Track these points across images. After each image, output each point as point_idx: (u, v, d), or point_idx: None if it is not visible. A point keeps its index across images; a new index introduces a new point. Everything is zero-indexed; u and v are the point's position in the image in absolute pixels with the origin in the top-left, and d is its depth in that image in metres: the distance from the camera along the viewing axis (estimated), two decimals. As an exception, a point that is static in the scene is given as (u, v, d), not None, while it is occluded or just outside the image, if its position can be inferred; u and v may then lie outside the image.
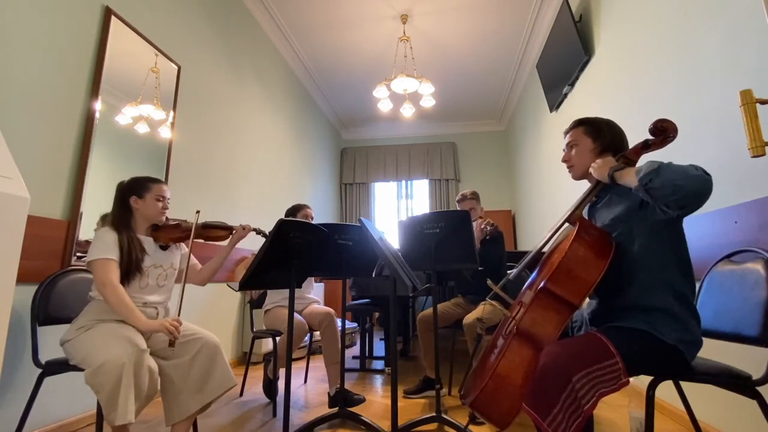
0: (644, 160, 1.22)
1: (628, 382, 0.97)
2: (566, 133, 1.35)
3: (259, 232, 1.83)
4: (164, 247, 1.59)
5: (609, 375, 0.96)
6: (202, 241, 1.68)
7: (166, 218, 1.61)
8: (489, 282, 1.35)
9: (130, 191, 1.55)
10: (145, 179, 1.58)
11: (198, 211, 1.62)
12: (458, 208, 2.54)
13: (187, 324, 1.53)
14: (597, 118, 1.31)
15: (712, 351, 1.45)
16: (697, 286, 1.26)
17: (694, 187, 0.93)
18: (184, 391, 1.39)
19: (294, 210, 2.43)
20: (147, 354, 1.27)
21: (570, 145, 1.32)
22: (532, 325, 1.07)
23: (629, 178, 1.06)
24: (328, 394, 2.12)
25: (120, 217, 1.52)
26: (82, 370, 1.26)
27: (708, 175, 0.94)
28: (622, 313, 1.11)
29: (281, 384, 2.24)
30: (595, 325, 1.19)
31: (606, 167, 1.15)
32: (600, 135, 1.26)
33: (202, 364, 1.43)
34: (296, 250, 1.56)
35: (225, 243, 1.76)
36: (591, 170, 1.22)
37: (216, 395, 1.42)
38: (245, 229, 1.75)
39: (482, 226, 2.25)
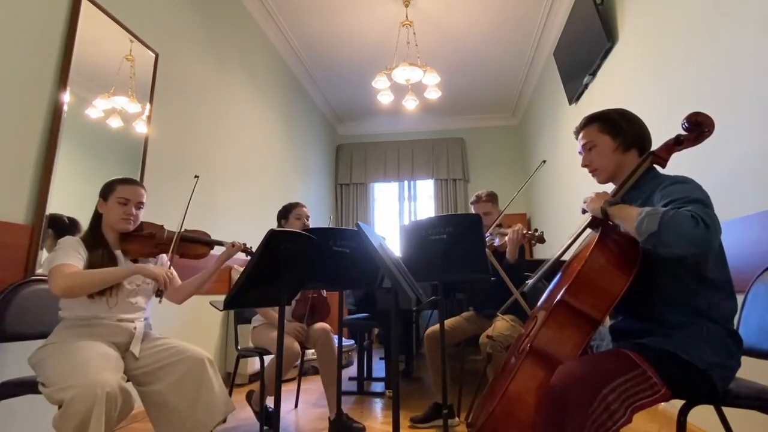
0: (675, 158, 1.22)
1: (667, 394, 0.97)
2: (577, 133, 1.34)
3: (246, 250, 1.80)
4: (135, 261, 1.57)
5: (642, 385, 0.96)
6: (177, 256, 1.66)
7: (141, 224, 1.59)
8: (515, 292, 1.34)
9: (100, 193, 1.54)
10: (116, 179, 1.57)
11: (183, 220, 1.59)
12: (473, 211, 2.53)
13: (171, 340, 1.52)
14: (608, 111, 1.30)
15: (755, 371, 1.43)
16: (740, 299, 1.25)
17: (695, 251, 0.95)
18: (173, 422, 1.37)
19: (286, 210, 2.42)
20: (121, 385, 1.22)
21: (587, 147, 1.30)
22: (548, 343, 1.06)
23: (625, 223, 1.06)
24: (329, 418, 2.12)
25: (90, 225, 1.52)
26: (40, 392, 1.24)
27: (709, 227, 0.93)
28: (648, 331, 1.10)
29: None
30: (619, 341, 1.19)
31: (599, 201, 1.16)
32: (619, 131, 1.25)
33: (187, 389, 1.40)
34: (287, 262, 1.55)
35: (204, 260, 1.72)
36: (585, 206, 1.24)
37: (209, 426, 1.39)
38: (234, 247, 1.73)
39: (524, 232, 2.05)
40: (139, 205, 1.57)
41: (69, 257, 1.38)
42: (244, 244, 1.76)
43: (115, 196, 1.52)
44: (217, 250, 1.80)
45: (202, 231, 1.76)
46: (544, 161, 2.57)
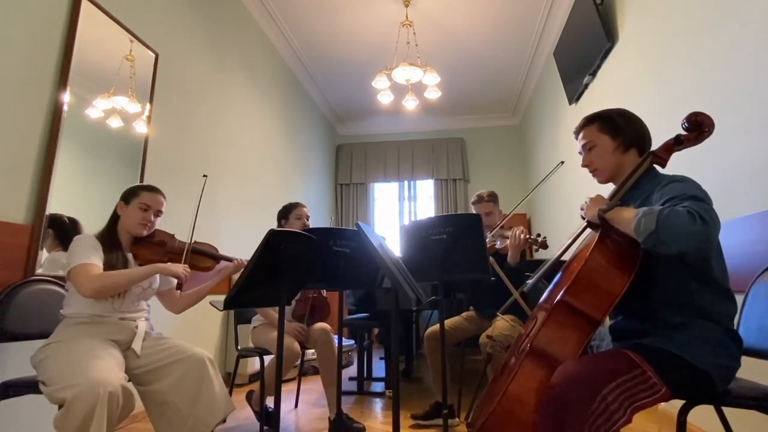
0: (675, 158, 1.22)
1: (667, 394, 0.97)
2: (577, 133, 1.34)
3: None
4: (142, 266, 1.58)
5: (642, 385, 0.96)
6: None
7: (153, 231, 1.60)
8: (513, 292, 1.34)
9: (122, 196, 1.57)
10: (141, 185, 1.60)
11: (192, 231, 1.60)
12: (473, 211, 2.52)
13: (172, 340, 1.53)
14: (608, 111, 1.30)
15: (755, 371, 1.43)
16: (740, 299, 1.25)
17: (695, 246, 0.94)
18: (173, 421, 1.37)
19: (286, 210, 2.41)
20: (123, 384, 1.22)
21: (586, 147, 1.30)
22: (547, 343, 1.06)
23: (624, 226, 1.06)
24: (329, 418, 2.12)
25: (107, 225, 1.54)
26: (40, 392, 1.24)
27: (706, 222, 0.93)
28: (648, 331, 1.10)
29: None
30: (619, 341, 1.19)
31: (595, 207, 1.16)
32: (618, 131, 1.25)
33: (188, 388, 1.40)
34: (287, 262, 1.54)
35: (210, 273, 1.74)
36: (582, 213, 1.23)
37: (209, 425, 1.39)
38: (240, 263, 1.73)
39: (527, 237, 2.02)
40: (158, 213, 1.60)
41: (91, 257, 1.40)
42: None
43: (138, 201, 1.55)
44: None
45: (210, 244, 1.77)
46: (563, 162, 2.50)
